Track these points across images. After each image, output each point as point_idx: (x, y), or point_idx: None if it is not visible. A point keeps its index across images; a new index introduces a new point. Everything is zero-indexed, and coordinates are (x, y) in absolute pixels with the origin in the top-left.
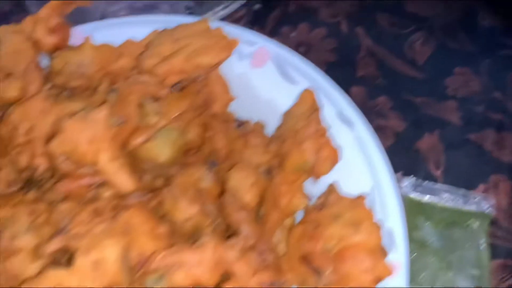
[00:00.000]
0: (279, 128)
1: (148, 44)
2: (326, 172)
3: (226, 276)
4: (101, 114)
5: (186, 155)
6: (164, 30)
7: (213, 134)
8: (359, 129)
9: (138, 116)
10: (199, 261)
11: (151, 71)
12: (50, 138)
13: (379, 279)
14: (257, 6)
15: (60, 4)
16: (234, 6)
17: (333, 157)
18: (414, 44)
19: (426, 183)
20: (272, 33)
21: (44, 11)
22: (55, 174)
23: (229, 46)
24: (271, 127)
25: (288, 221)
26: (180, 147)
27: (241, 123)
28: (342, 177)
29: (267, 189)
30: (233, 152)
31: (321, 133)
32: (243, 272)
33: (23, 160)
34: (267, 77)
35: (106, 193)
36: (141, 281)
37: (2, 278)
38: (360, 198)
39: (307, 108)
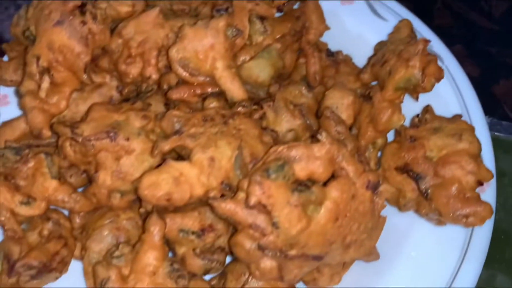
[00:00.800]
0: (374, 56)
1: None
2: (430, 89)
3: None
4: (221, 23)
5: (279, 79)
6: None
7: (307, 61)
8: (449, 62)
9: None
10: (316, 156)
11: None
12: (165, 48)
13: (481, 182)
14: None
15: None
16: None
17: (438, 74)
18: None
19: (504, 123)
20: None
21: None
22: (165, 84)
23: None
24: (358, 59)
25: (379, 141)
26: (277, 70)
27: (332, 53)
28: (432, 103)
29: (364, 109)
30: (325, 79)
31: (426, 52)
32: (352, 170)
33: (134, 71)
34: (357, 13)
35: (212, 104)
36: (264, 167)
37: (114, 175)
38: (457, 116)
39: (405, 35)
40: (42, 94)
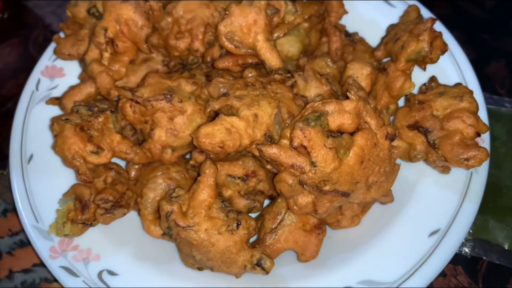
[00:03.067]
0: (386, 36)
1: None
2: (436, 60)
3: (359, 126)
4: (262, 2)
5: (305, 54)
6: None
7: (329, 39)
8: (449, 41)
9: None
10: (346, 110)
11: None
12: (211, 25)
13: (479, 133)
14: None
15: None
16: None
17: (443, 47)
18: None
19: (494, 97)
20: None
21: None
22: (209, 57)
23: None
24: (370, 40)
25: (392, 107)
26: (304, 46)
27: (349, 34)
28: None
29: (379, 79)
30: (344, 55)
31: (433, 29)
32: (374, 124)
33: (183, 45)
34: (369, 1)
35: (251, 73)
36: (302, 119)
37: (168, 132)
38: (458, 83)
39: (414, 17)
40: (105, 61)
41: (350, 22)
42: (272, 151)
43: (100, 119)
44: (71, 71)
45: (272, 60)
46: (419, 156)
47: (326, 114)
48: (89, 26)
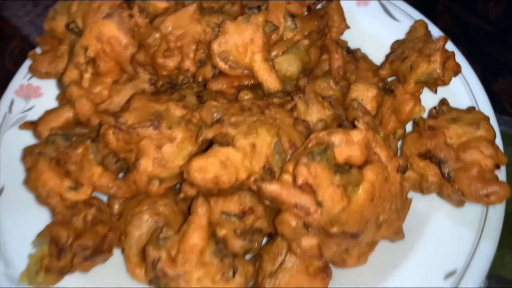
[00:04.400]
0: (392, 53)
1: None
2: (448, 82)
3: (368, 158)
4: (260, 19)
5: (304, 74)
6: None
7: (331, 57)
8: (458, 59)
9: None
10: (354, 141)
11: None
12: (203, 42)
13: (498, 165)
14: None
15: None
16: None
17: (456, 69)
18: (487, 4)
19: (504, 117)
20: None
21: None
22: (200, 77)
23: None
24: (372, 57)
25: (399, 131)
26: (304, 65)
27: (351, 50)
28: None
29: (385, 101)
30: (346, 74)
31: (445, 49)
32: (384, 155)
33: (172, 64)
34: (372, 14)
35: (247, 96)
36: (308, 151)
37: (155, 162)
38: (471, 107)
39: (421, 34)
40: (85, 83)
41: (351, 37)
42: (272, 188)
43: (79, 151)
44: (49, 90)
45: (270, 82)
46: (432, 188)
47: (332, 146)
48: (68, 41)
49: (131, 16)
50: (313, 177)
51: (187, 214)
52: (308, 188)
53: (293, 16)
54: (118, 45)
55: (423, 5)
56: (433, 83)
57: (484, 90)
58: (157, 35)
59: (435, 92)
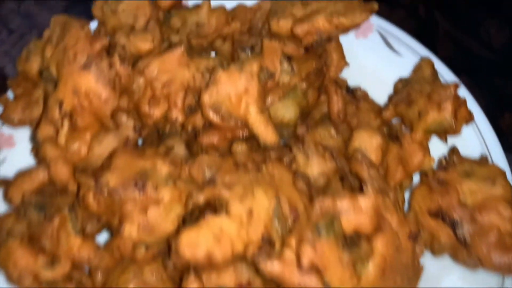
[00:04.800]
0: (396, 95)
1: (271, 8)
2: (459, 131)
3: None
4: (254, 67)
5: (301, 118)
6: None
7: (330, 99)
8: (469, 104)
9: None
10: (362, 209)
11: (287, 31)
12: (191, 89)
13: None
14: None
15: None
16: None
17: (469, 117)
18: (490, 30)
19: None
20: None
21: None
22: (190, 126)
23: (370, 9)
24: (372, 93)
25: (406, 182)
26: (301, 109)
27: (351, 90)
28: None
29: (391, 149)
30: (347, 117)
31: (457, 96)
32: (395, 221)
33: (157, 113)
34: (372, 48)
35: (240, 147)
36: (313, 225)
37: (140, 227)
38: (484, 159)
39: (428, 74)
40: (61, 140)
41: (350, 73)
42: (274, 268)
43: (55, 224)
44: (23, 140)
45: (267, 135)
46: (445, 251)
47: (339, 215)
48: (43, 87)
49: (111, 65)
50: (319, 257)
51: (178, 282)
52: (314, 268)
53: (289, 58)
54: (97, 99)
55: (423, 30)
56: (443, 132)
57: (496, 137)
58: (141, 80)
59: (445, 141)
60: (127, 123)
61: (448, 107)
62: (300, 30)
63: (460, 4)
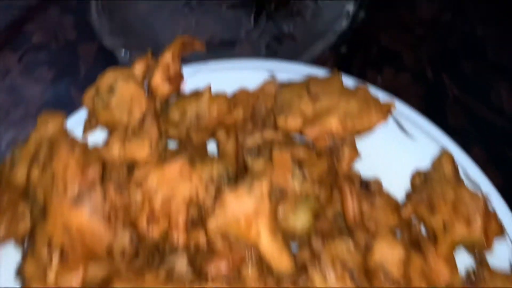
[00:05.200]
0: (415, 193)
1: (276, 99)
2: (490, 247)
3: None
4: (265, 187)
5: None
6: (290, 83)
7: (344, 201)
8: (487, 189)
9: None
10: None
11: (295, 130)
12: (193, 203)
13: None
14: (343, 49)
15: (181, 49)
16: (320, 47)
17: (500, 232)
18: (501, 94)
19: None
20: (360, 77)
21: (166, 56)
22: (192, 243)
23: (386, 109)
24: (387, 183)
25: None
26: (315, 214)
27: (365, 184)
28: None
29: (414, 259)
30: (363, 217)
31: (487, 209)
32: None
33: (156, 232)
34: (383, 132)
35: (251, 272)
36: None
37: None
38: None
39: (449, 173)
40: (51, 278)
41: (361, 162)
42: None
43: None
44: (8, 261)
45: (281, 262)
46: None
47: None
48: (31, 201)
49: (105, 195)
50: None
51: None
52: None
53: (300, 164)
54: (90, 236)
55: (432, 97)
56: (471, 246)
57: None
58: (138, 194)
59: (474, 255)
60: (123, 235)
61: (477, 224)
62: (311, 133)
63: (468, 65)
